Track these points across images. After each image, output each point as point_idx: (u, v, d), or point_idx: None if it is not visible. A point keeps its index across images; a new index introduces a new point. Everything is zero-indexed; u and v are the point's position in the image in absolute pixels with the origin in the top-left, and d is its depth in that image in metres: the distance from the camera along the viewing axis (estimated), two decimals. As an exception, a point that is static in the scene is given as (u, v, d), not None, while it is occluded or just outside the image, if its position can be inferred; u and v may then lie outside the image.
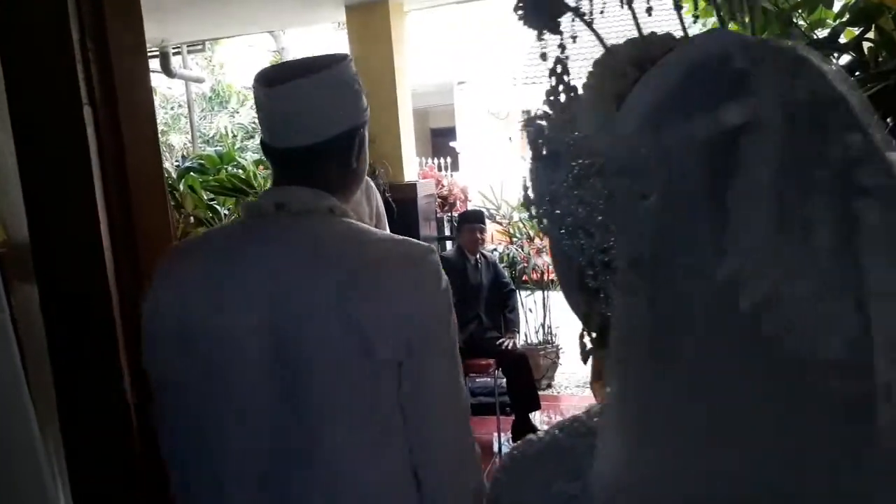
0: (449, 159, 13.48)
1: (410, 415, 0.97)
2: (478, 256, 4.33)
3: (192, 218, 1.68)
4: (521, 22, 0.57)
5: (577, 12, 0.55)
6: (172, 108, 12.57)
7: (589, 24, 0.57)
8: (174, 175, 5.29)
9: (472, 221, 4.35)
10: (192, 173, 5.26)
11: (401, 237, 1.04)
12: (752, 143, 0.42)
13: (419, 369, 0.96)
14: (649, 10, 0.59)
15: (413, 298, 0.97)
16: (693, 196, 0.43)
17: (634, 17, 0.59)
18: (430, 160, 13.62)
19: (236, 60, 12.52)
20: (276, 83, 0.99)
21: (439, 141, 15.81)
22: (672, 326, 0.44)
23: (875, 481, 0.41)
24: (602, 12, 0.56)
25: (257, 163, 5.07)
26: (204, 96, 12.19)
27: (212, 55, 12.29)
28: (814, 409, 0.41)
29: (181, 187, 4.73)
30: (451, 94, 13.57)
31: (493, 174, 9.22)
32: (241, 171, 4.73)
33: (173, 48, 6.13)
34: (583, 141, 0.51)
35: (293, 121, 1.01)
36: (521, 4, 0.56)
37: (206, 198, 4.74)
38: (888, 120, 2.53)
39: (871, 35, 2.78)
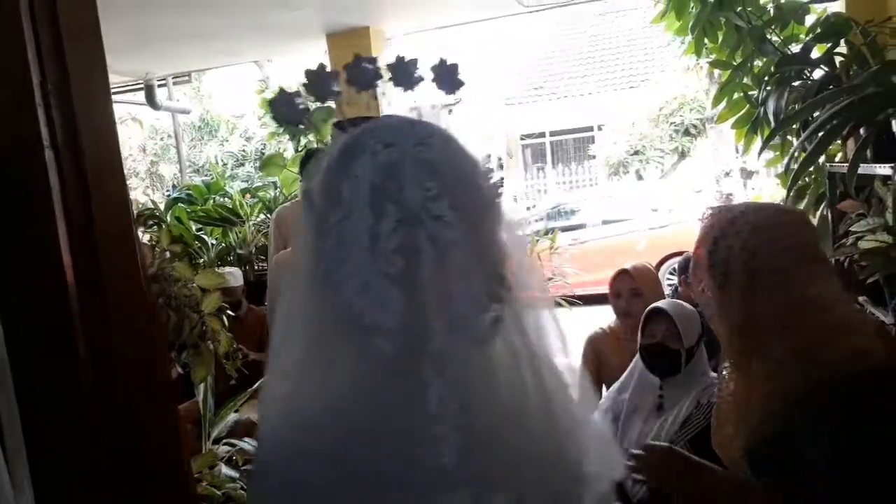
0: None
1: None
2: None
3: (167, 253, 1.69)
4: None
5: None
6: (161, 139, 12.61)
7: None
8: (161, 207, 5.31)
9: None
10: (180, 204, 5.27)
11: None
12: (350, 189, 0.65)
13: None
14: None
15: None
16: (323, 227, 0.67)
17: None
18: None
19: (224, 89, 12.60)
20: None
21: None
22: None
23: (423, 421, 0.61)
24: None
25: (244, 192, 5.09)
26: (193, 126, 12.24)
27: (199, 85, 12.36)
28: (373, 360, 0.64)
29: (168, 218, 4.74)
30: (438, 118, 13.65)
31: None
32: (227, 200, 4.74)
33: (158, 80, 6.17)
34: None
35: None
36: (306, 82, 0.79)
37: (193, 228, 4.76)
38: (861, 130, 2.57)
39: (843, 49, 2.84)
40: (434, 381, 0.62)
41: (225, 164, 11.15)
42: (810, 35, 3.05)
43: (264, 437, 0.71)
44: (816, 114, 2.55)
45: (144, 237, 4.97)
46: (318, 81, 0.79)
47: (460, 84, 0.83)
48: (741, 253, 1.19)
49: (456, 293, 0.63)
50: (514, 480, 0.64)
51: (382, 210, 0.64)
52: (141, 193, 12.41)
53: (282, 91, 0.77)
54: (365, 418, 0.64)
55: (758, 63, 3.29)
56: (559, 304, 5.42)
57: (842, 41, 2.82)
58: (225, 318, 1.95)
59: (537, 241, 5.43)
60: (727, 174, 6.92)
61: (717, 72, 4.24)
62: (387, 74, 0.81)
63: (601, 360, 2.58)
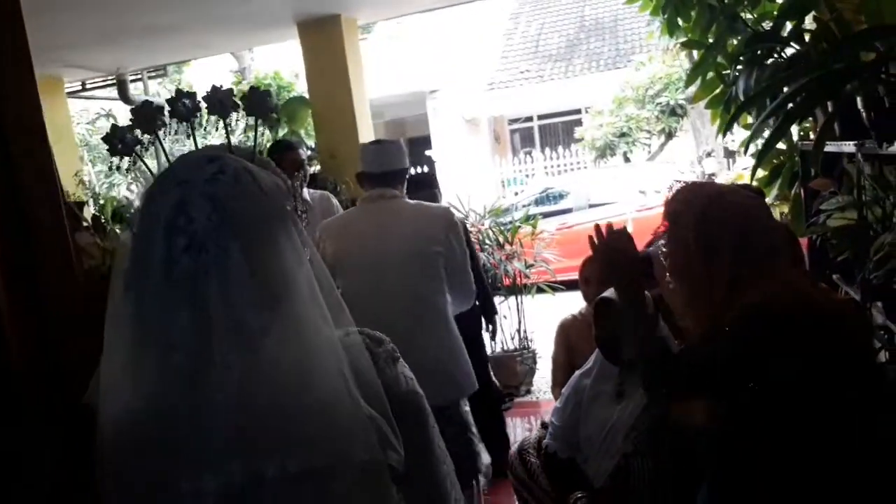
0: (426, 168, 13.52)
1: None
2: None
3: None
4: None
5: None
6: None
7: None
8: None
9: (416, 190, 3.79)
10: (157, 200, 5.21)
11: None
12: (148, 224, 0.80)
13: None
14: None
15: None
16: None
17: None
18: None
19: (205, 82, 12.49)
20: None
21: (417, 150, 15.85)
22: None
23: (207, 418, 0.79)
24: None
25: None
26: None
27: (180, 78, 12.23)
28: (168, 372, 0.80)
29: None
30: (424, 104, 13.57)
31: (468, 181, 9.22)
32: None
33: (132, 75, 6.09)
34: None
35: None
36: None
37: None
38: (829, 104, 2.54)
39: (813, 27, 2.80)
40: (216, 394, 0.78)
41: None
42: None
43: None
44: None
45: (121, 234, 4.93)
46: (144, 117, 0.95)
47: (270, 110, 0.98)
48: (731, 229, 1.42)
49: (235, 307, 0.79)
50: (280, 454, 0.80)
51: (173, 241, 0.78)
52: (125, 189, 12.32)
53: (114, 127, 0.94)
54: (159, 423, 0.80)
55: (732, 42, 3.25)
56: (542, 290, 5.40)
57: (808, 18, 2.78)
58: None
59: (518, 227, 5.38)
60: (709, 154, 6.88)
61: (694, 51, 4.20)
62: (204, 105, 0.97)
63: (572, 345, 2.56)
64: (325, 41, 4.40)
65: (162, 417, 0.80)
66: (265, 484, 0.79)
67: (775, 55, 2.94)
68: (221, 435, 0.78)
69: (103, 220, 4.67)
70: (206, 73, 11.88)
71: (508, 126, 15.80)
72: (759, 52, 2.93)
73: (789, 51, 2.89)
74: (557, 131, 15.24)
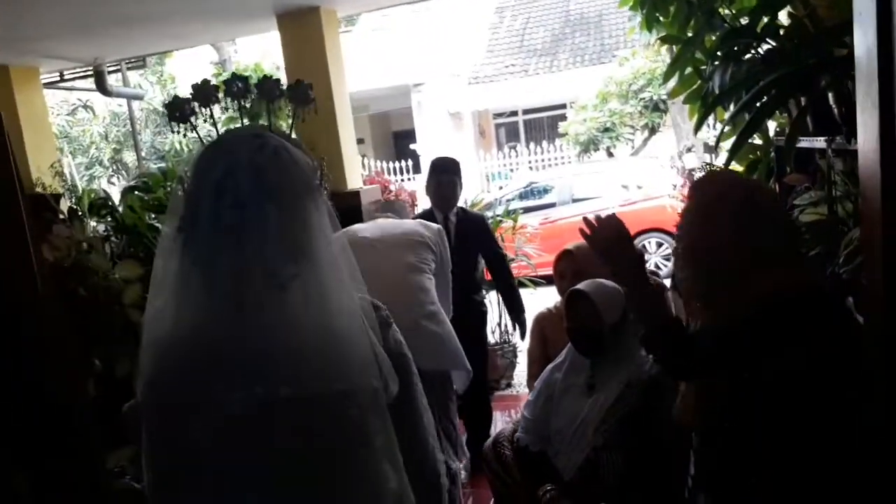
0: (410, 161, 13.48)
1: None
2: (449, 215, 3.57)
3: (85, 245, 1.63)
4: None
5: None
6: (125, 125, 12.34)
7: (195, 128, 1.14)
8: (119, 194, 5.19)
9: (440, 172, 3.60)
10: (136, 192, 5.15)
11: None
12: (202, 182, 0.99)
13: None
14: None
15: None
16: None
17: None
18: (392, 163, 13.61)
19: (188, 74, 12.34)
20: None
21: (402, 143, 15.78)
22: None
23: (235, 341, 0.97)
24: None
25: (200, 178, 4.96)
26: (156, 111, 11.99)
27: (162, 70, 12.10)
28: (212, 292, 0.98)
29: (121, 207, 4.64)
30: (409, 97, 13.53)
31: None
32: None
33: (111, 66, 6.01)
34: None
35: None
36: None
37: (147, 218, 4.65)
38: (802, 99, 2.55)
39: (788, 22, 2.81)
40: (250, 328, 0.95)
41: (191, 151, 10.94)
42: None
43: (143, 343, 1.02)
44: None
45: (99, 227, 4.86)
46: (202, 93, 1.11)
47: (311, 100, 1.12)
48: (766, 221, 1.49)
49: (268, 257, 0.95)
50: (295, 381, 0.94)
51: (222, 199, 0.95)
52: (105, 182, 12.18)
53: (175, 98, 1.10)
54: (196, 347, 0.96)
55: (711, 38, 3.26)
56: (522, 285, 5.40)
57: (784, 14, 2.79)
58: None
59: (500, 221, 5.38)
60: (689, 149, 6.93)
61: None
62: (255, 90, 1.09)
63: (547, 338, 2.57)
64: (304, 33, 4.36)
65: (199, 344, 0.96)
66: (288, 403, 0.93)
67: (752, 51, 2.95)
68: (251, 361, 0.94)
69: (80, 213, 4.61)
70: (187, 64, 11.77)
71: (493, 120, 15.78)
72: (735, 47, 2.94)
73: (766, 47, 2.90)
74: (542, 126, 15.25)
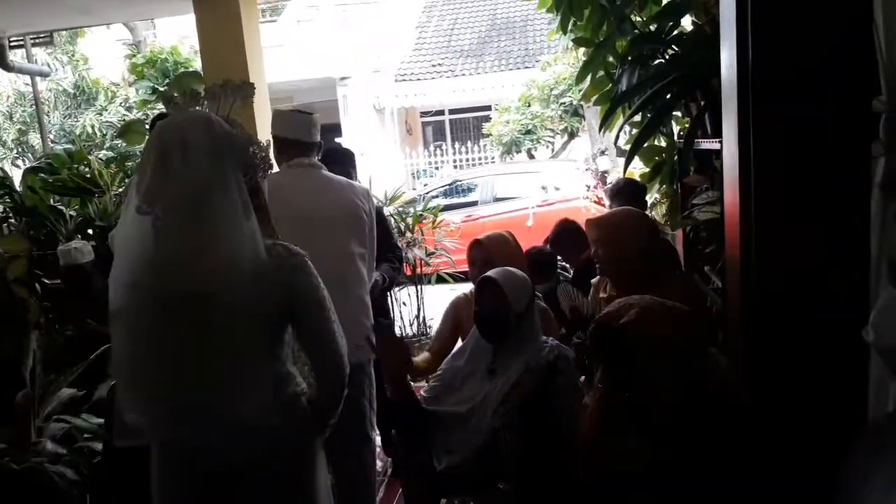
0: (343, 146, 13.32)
1: None
2: None
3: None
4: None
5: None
6: (32, 106, 11.69)
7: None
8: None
9: (331, 164, 3.67)
10: (41, 174, 4.89)
11: None
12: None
13: None
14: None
15: None
16: None
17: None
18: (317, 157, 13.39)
19: (101, 54, 11.80)
20: None
21: (327, 137, 15.58)
22: None
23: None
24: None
25: (109, 161, 4.78)
26: (66, 93, 11.40)
27: (74, 49, 11.51)
28: None
29: (20, 188, 4.40)
30: (334, 90, 13.37)
31: (377, 170, 9.17)
32: (87, 170, 4.43)
33: (15, 41, 5.69)
34: None
35: None
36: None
37: (50, 200, 4.43)
38: (692, 105, 2.70)
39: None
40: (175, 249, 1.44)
41: (104, 135, 10.46)
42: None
43: None
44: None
45: (-3, 207, 4.57)
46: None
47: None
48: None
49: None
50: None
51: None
52: (9, 164, 11.50)
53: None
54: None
55: (622, 43, 3.39)
56: (443, 280, 5.46)
57: (687, 21, 2.93)
58: (39, 286, 1.81)
59: (420, 216, 5.42)
60: (603, 152, 7.17)
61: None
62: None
63: (460, 322, 2.60)
64: (220, 18, 4.23)
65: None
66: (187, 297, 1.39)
67: (659, 56, 3.09)
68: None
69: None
70: (99, 45, 11.25)
71: (421, 119, 15.82)
72: (643, 52, 3.07)
73: (671, 52, 3.05)
74: (468, 126, 15.39)
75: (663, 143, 3.37)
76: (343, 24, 13.69)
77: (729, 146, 1.37)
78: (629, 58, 3.20)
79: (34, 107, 11.81)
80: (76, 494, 1.76)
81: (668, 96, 2.17)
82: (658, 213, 3.91)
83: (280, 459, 1.50)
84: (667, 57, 3.04)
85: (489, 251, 2.50)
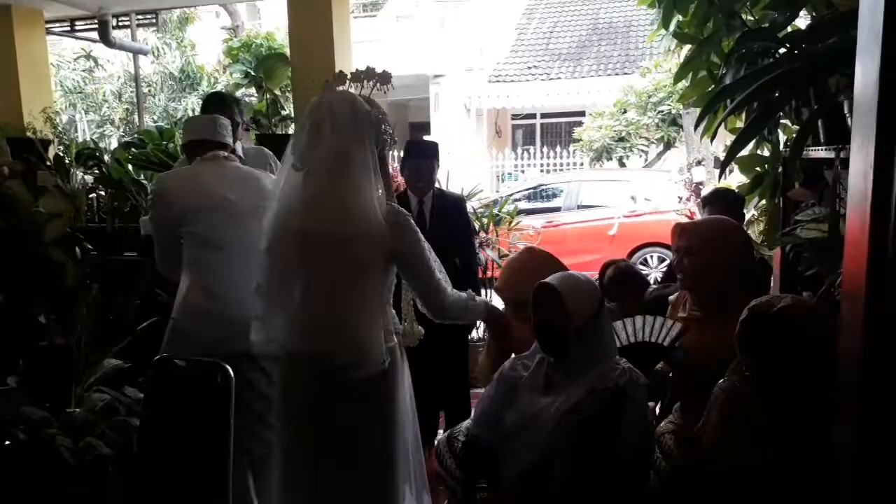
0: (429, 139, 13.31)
1: None
2: (423, 199, 3.39)
3: (5, 169, 1.51)
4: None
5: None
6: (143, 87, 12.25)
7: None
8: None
9: (416, 155, 3.50)
10: (132, 148, 5.03)
11: None
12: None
13: None
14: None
15: None
16: None
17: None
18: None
19: (209, 41, 12.24)
20: None
21: (417, 135, 15.63)
22: None
23: None
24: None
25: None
26: (172, 76, 11.89)
27: (182, 35, 11.99)
28: None
29: (107, 160, 4.53)
30: (427, 88, 13.37)
31: (464, 170, 9.06)
32: (172, 145, 4.51)
33: (122, 19, 5.89)
34: None
35: None
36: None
37: (139, 175, 4.54)
38: (803, 111, 2.39)
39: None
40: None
41: (202, 117, 10.80)
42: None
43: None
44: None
45: (88, 178, 4.72)
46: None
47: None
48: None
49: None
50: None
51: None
52: (116, 141, 12.10)
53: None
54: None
55: (729, 42, 3.09)
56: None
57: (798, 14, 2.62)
58: (79, 250, 1.75)
59: (498, 217, 5.23)
60: (699, 162, 6.73)
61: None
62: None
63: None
64: (310, 6, 4.22)
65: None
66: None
67: (770, 55, 2.78)
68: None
69: (66, 161, 4.49)
70: (207, 31, 11.67)
71: (511, 121, 15.61)
72: (752, 49, 2.78)
73: (783, 50, 2.74)
74: (560, 131, 15.07)
75: (766, 153, 3.07)
76: (441, 22, 13.67)
77: (858, 163, 1.12)
78: (735, 55, 2.91)
79: (142, 88, 12.40)
80: (93, 470, 1.70)
81: (777, 93, 1.89)
82: (755, 232, 3.59)
83: (376, 369, 1.80)
84: (777, 56, 2.73)
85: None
